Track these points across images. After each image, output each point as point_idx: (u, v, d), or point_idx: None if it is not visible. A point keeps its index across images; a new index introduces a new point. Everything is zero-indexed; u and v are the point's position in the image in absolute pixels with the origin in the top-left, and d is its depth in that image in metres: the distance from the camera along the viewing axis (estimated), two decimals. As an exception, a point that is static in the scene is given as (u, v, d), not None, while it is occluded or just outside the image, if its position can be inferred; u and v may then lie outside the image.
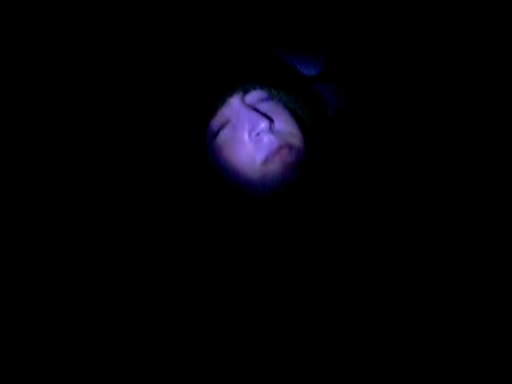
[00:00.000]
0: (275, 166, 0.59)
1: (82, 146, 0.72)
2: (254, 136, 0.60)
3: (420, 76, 0.76)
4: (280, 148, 0.59)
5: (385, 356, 0.53)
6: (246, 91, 0.63)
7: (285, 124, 0.62)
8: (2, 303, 0.60)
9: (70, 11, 0.75)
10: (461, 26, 0.74)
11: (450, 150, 0.68)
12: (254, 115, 0.60)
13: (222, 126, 0.62)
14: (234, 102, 0.62)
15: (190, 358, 0.55)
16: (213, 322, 0.56)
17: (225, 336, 0.55)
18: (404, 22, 0.77)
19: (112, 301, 0.60)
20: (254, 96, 0.63)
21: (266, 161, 0.59)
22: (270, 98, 0.64)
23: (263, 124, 0.59)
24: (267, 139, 0.60)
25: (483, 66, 0.73)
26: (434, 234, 0.59)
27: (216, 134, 0.63)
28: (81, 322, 0.59)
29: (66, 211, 0.68)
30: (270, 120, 0.60)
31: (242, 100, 0.62)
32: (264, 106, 0.62)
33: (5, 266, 0.63)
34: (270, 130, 0.60)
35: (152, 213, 0.67)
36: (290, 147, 0.60)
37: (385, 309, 0.54)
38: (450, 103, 0.73)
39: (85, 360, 0.57)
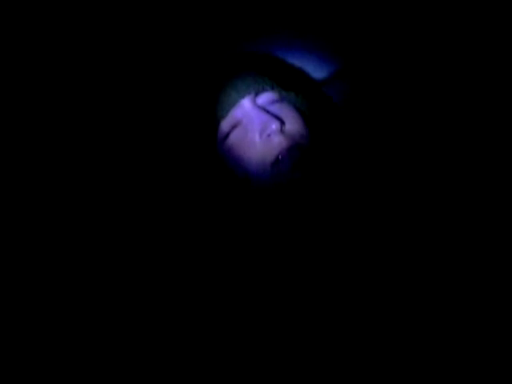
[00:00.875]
0: (285, 167, 0.60)
1: (93, 148, 0.73)
2: (264, 137, 0.60)
3: (427, 81, 0.77)
4: (290, 149, 0.60)
5: (385, 356, 0.53)
6: (257, 93, 0.64)
7: (295, 125, 0.62)
8: (2, 303, 0.61)
9: (67, 10, 0.75)
10: (464, 26, 0.75)
11: (456, 151, 0.69)
12: (265, 116, 0.61)
13: (233, 127, 0.63)
14: (246, 103, 0.63)
15: (190, 352, 0.55)
16: (215, 315, 0.56)
17: (225, 331, 0.56)
18: (410, 26, 0.78)
19: (116, 293, 0.60)
20: (264, 97, 0.64)
21: (275, 162, 0.60)
22: (280, 99, 0.65)
23: (274, 125, 0.60)
24: (277, 140, 0.60)
25: (488, 69, 0.74)
26: (436, 232, 0.59)
27: (227, 134, 0.63)
28: (81, 317, 0.60)
29: (74, 209, 0.69)
30: (281, 121, 0.61)
31: (254, 101, 0.63)
32: (275, 108, 0.63)
33: (5, 266, 0.63)
34: (281, 131, 0.61)
35: (161, 212, 0.67)
36: (300, 148, 0.61)
37: (384, 306, 0.55)
38: (456, 104, 0.74)
39: (85, 360, 0.57)
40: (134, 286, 0.61)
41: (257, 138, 0.61)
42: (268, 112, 0.62)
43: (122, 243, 0.64)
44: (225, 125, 0.64)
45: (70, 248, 0.65)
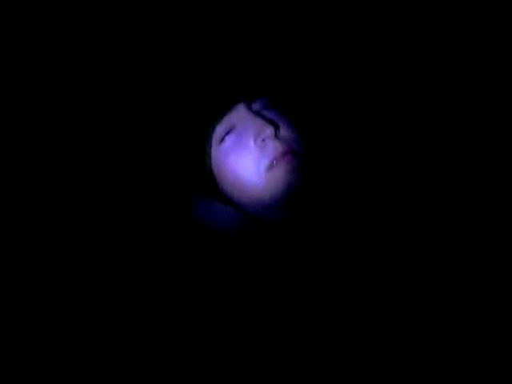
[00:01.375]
0: (279, 172, 0.60)
1: (85, 149, 0.73)
2: (259, 142, 0.61)
3: (424, 85, 0.77)
4: (284, 154, 0.60)
5: (385, 356, 0.53)
6: (252, 98, 0.64)
7: (289, 130, 0.63)
8: (2, 303, 0.61)
9: (76, 14, 0.76)
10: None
11: (453, 162, 0.69)
12: (260, 121, 0.61)
13: (228, 132, 0.63)
14: (241, 108, 0.64)
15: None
16: (215, 320, 0.56)
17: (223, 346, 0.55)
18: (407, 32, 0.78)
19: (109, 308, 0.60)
20: (259, 103, 0.64)
21: (270, 166, 0.60)
22: (275, 104, 0.65)
23: (269, 130, 0.60)
24: (272, 145, 0.61)
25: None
26: (435, 239, 0.59)
27: (222, 139, 0.64)
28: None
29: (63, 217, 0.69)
30: (276, 126, 0.61)
31: (249, 106, 0.64)
32: (269, 113, 0.64)
33: (5, 266, 0.64)
34: (276, 136, 0.61)
35: (152, 218, 0.67)
36: (294, 153, 0.61)
37: (386, 315, 0.55)
38: (451, 109, 0.74)
39: (84, 360, 0.57)
40: (129, 300, 0.61)
41: (252, 142, 0.61)
42: (263, 117, 0.62)
43: (114, 250, 0.64)
44: (220, 129, 0.64)
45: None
